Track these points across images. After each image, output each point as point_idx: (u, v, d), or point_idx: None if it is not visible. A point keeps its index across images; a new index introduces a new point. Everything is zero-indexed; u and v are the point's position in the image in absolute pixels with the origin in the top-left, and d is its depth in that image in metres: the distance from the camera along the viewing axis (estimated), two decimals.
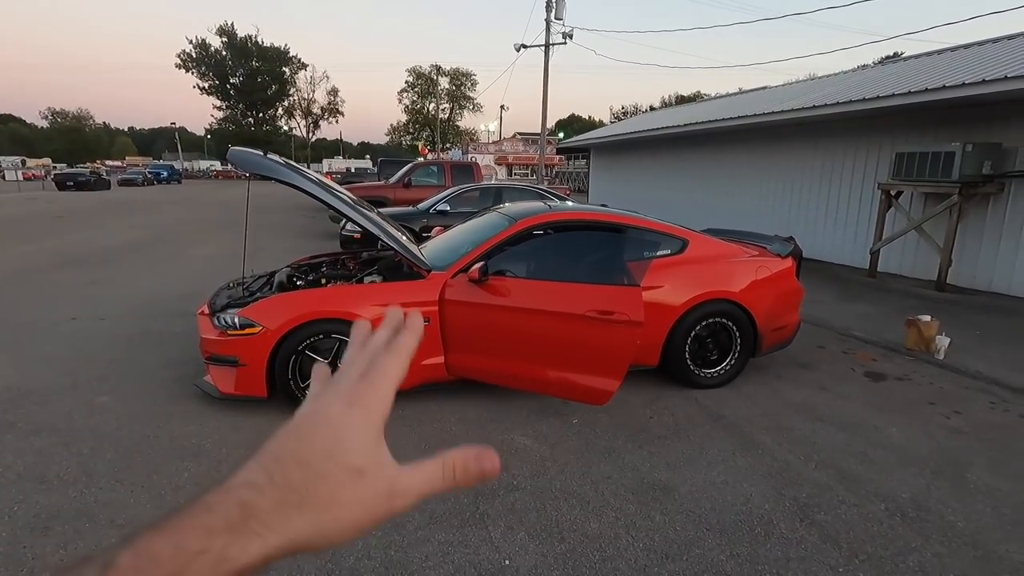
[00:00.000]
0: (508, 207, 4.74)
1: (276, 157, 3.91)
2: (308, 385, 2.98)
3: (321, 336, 3.58)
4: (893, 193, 8.56)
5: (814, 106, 9.40)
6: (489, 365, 3.67)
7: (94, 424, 3.48)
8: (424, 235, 6.84)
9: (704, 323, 4.25)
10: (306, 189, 3.60)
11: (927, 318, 5.29)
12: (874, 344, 5.58)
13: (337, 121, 72.27)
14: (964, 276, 8.01)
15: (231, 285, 4.36)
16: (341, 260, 4.95)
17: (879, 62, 14.59)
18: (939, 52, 10.55)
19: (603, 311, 3.31)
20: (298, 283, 4.21)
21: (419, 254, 3.93)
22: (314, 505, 0.34)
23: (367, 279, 4.06)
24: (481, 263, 3.63)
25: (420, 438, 3.44)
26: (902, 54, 12.66)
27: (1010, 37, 9.26)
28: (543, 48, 24.50)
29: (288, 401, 3.61)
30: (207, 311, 3.87)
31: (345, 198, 3.87)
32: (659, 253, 4.30)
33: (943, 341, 5.14)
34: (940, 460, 3.33)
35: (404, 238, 4.16)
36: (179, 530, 0.31)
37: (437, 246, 4.54)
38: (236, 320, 3.55)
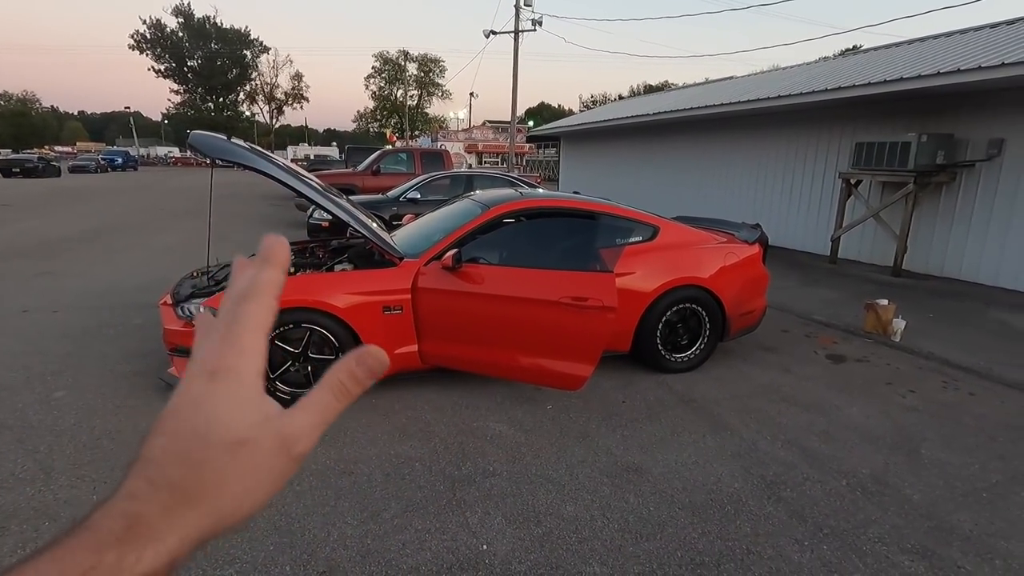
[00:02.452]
0: (480, 194, 4.71)
1: (240, 141, 3.78)
2: (278, 376, 2.91)
3: (291, 326, 3.51)
4: (853, 182, 8.84)
5: (778, 96, 9.61)
6: (463, 353, 3.66)
7: (51, 420, 3.34)
8: (395, 223, 6.75)
9: (675, 308, 4.33)
10: (273, 175, 3.49)
11: (884, 302, 5.50)
12: (835, 327, 5.78)
13: (302, 107, 70.50)
14: (918, 262, 8.35)
15: (195, 275, 4.22)
16: (310, 248, 4.84)
17: (840, 54, 14.97)
18: (897, 45, 10.89)
19: (577, 297, 3.33)
20: None
21: (391, 241, 3.88)
22: (203, 495, 0.32)
23: (337, 267, 3.98)
24: (455, 250, 3.60)
25: (394, 427, 3.41)
26: (861, 47, 13.03)
27: (963, 32, 9.62)
28: (512, 35, 24.35)
29: None
30: (170, 301, 3.74)
31: (314, 184, 3.78)
32: (631, 240, 4.35)
33: (899, 324, 5.35)
34: (897, 437, 3.49)
35: (375, 225, 4.09)
36: (60, 555, 0.29)
37: (409, 233, 4.48)
38: (201, 310, 3.43)
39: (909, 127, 8.24)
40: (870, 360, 4.87)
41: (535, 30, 24.48)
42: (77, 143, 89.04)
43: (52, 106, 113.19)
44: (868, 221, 8.76)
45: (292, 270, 4.02)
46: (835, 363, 4.79)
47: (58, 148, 77.81)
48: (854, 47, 11.75)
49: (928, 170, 7.69)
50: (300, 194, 3.56)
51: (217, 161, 3.45)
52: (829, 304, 6.64)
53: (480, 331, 3.58)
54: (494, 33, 26.15)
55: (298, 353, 3.55)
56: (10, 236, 10.20)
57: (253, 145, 3.83)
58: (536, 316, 3.43)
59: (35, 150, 55.69)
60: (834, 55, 14.78)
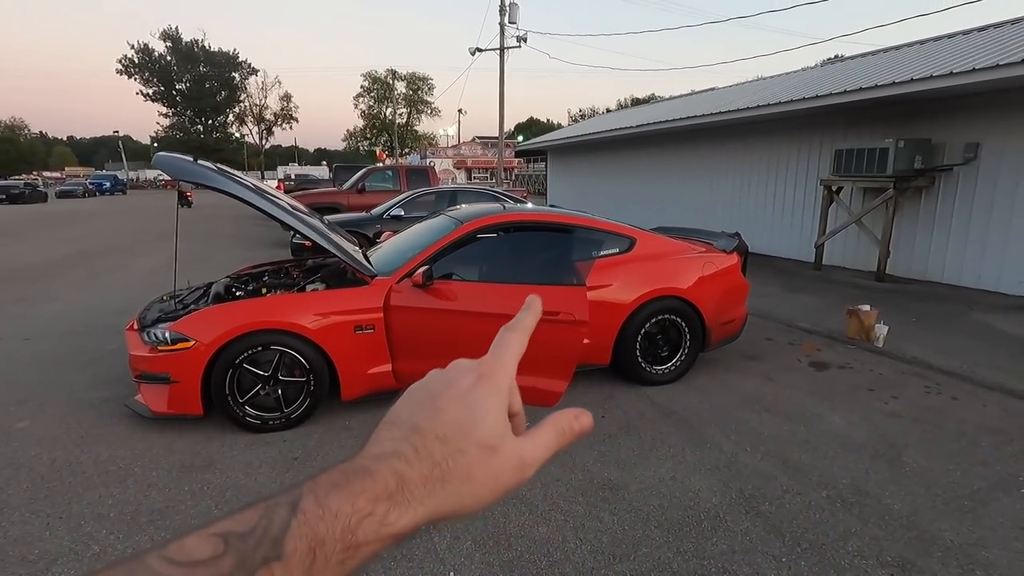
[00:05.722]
0: (456, 210, 4.68)
1: (207, 163, 3.74)
2: (247, 400, 2.82)
3: (260, 348, 3.43)
4: (834, 188, 8.89)
5: (758, 106, 9.69)
6: None
7: (11, 452, 3.23)
8: (377, 241, 6.70)
9: (653, 320, 4.28)
10: (240, 196, 3.45)
11: (866, 307, 5.49)
12: (818, 334, 5.76)
13: (291, 127, 70.58)
14: (901, 266, 8.38)
15: (164, 299, 4.14)
16: (285, 268, 4.77)
17: (821, 64, 15.17)
18: (874, 53, 11.05)
19: (548, 312, 3.26)
20: (237, 293, 4.04)
21: (363, 260, 3.83)
22: (455, 480, 0.36)
23: (309, 287, 3.92)
24: (425, 267, 3.55)
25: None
26: (842, 56, 13.20)
27: (936, 39, 9.77)
28: (498, 52, 24.59)
29: (226, 418, 3.45)
30: (136, 326, 3.66)
31: (284, 204, 3.73)
32: (607, 252, 4.31)
33: (882, 329, 5.34)
34: (879, 444, 3.44)
35: (347, 244, 4.04)
36: (352, 490, 0.33)
37: (385, 251, 4.43)
38: (167, 335, 3.36)
39: (887, 133, 8.31)
40: (853, 366, 4.83)
41: (520, 47, 24.68)
42: (66, 168, 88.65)
43: (41, 132, 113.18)
44: (851, 227, 8.79)
45: (264, 291, 3.96)
46: (818, 370, 4.75)
47: (46, 174, 77.30)
48: (836, 56, 11.90)
49: (907, 175, 7.74)
50: (267, 214, 3.51)
51: (182, 183, 3.40)
52: (813, 310, 6.63)
53: (453, 348, 3.50)
54: (480, 50, 26.37)
55: (268, 376, 3.47)
56: None
57: (220, 166, 3.79)
58: None
59: (23, 176, 55.40)
60: (817, 64, 14.97)
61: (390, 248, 4.47)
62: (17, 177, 50.23)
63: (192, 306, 3.76)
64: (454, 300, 3.52)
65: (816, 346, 5.39)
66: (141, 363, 3.44)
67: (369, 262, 4.08)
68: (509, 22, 24.16)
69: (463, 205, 5.60)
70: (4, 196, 29.53)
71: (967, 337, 5.54)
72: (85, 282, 8.28)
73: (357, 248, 4.32)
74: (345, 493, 0.33)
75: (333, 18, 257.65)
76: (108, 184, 42.94)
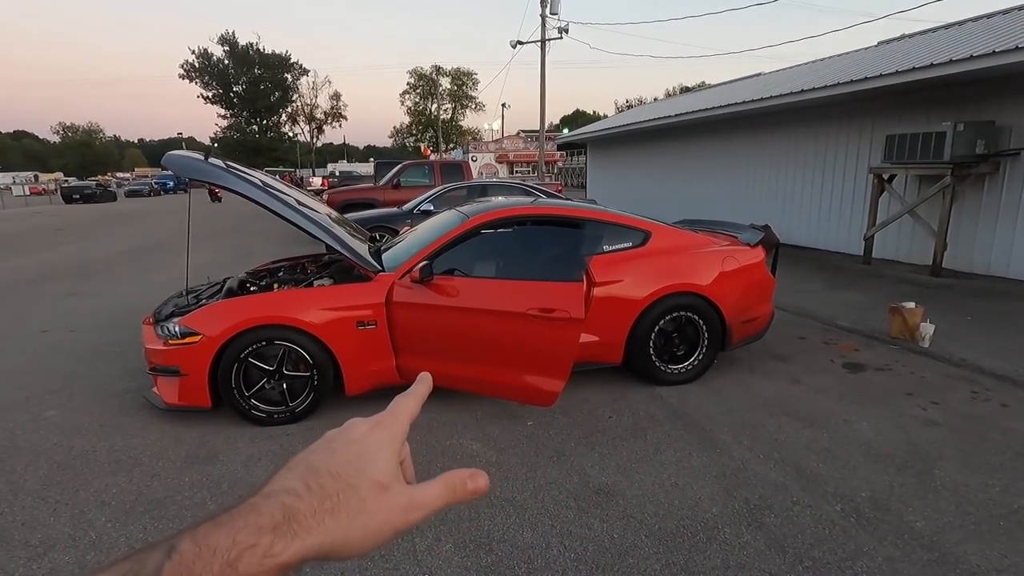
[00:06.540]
0: (468, 205, 4.62)
1: (218, 161, 3.83)
2: (253, 394, 2.86)
3: (264, 343, 3.49)
4: (886, 177, 8.31)
5: (802, 90, 9.16)
6: (439, 368, 3.54)
7: (35, 440, 3.41)
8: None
9: (669, 317, 4.10)
10: (245, 193, 3.51)
11: (911, 305, 5.08)
12: (858, 333, 5.39)
13: (341, 125, 72.48)
14: (961, 260, 7.75)
15: (182, 294, 4.28)
16: (302, 264, 4.85)
17: (877, 45, 14.19)
18: (933, 30, 10.24)
19: (544, 308, 3.17)
20: (252, 289, 4.13)
21: (366, 256, 3.83)
22: (345, 512, 0.38)
23: (317, 282, 3.96)
24: (424, 263, 3.51)
25: None
26: (908, 35, 12.19)
27: (1005, 12, 8.94)
28: (539, 44, 24.35)
29: (233, 411, 3.53)
30: (151, 320, 3.80)
31: (290, 201, 3.76)
32: (619, 246, 4.15)
33: (928, 328, 4.93)
34: (908, 455, 3.16)
35: (352, 240, 4.05)
36: (233, 526, 0.35)
37: (397, 246, 4.43)
38: (177, 329, 3.47)
39: (944, 116, 7.68)
40: (892, 368, 4.49)
41: (561, 38, 24.34)
42: (135, 169, 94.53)
43: (115, 136, 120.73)
44: (904, 218, 8.19)
45: (276, 286, 4.03)
46: (852, 372, 4.44)
47: (119, 174, 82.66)
48: (900, 38, 10.95)
49: (967, 161, 7.13)
50: (271, 211, 3.55)
51: (189, 182, 3.49)
52: (856, 308, 6.21)
53: (451, 345, 3.47)
54: (521, 43, 26.22)
55: (273, 370, 3.52)
56: (55, 259, 10.80)
57: (230, 164, 3.87)
58: (504, 329, 3.29)
59: (97, 177, 59.33)
60: (878, 44, 14.00)
61: (402, 243, 4.46)
62: (93, 179, 53.86)
63: (205, 301, 3.86)
64: (454, 296, 3.47)
65: (854, 346, 5.04)
66: (155, 356, 3.56)
67: (379, 258, 4.09)
68: (551, 13, 23.88)
69: (486, 199, 5.54)
70: (79, 196, 31.78)
71: None
72: (135, 277, 8.74)
73: (364, 244, 4.33)
74: (226, 529, 0.34)
75: (377, 18, 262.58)
76: (172, 183, 45.37)
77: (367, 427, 0.43)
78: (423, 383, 0.51)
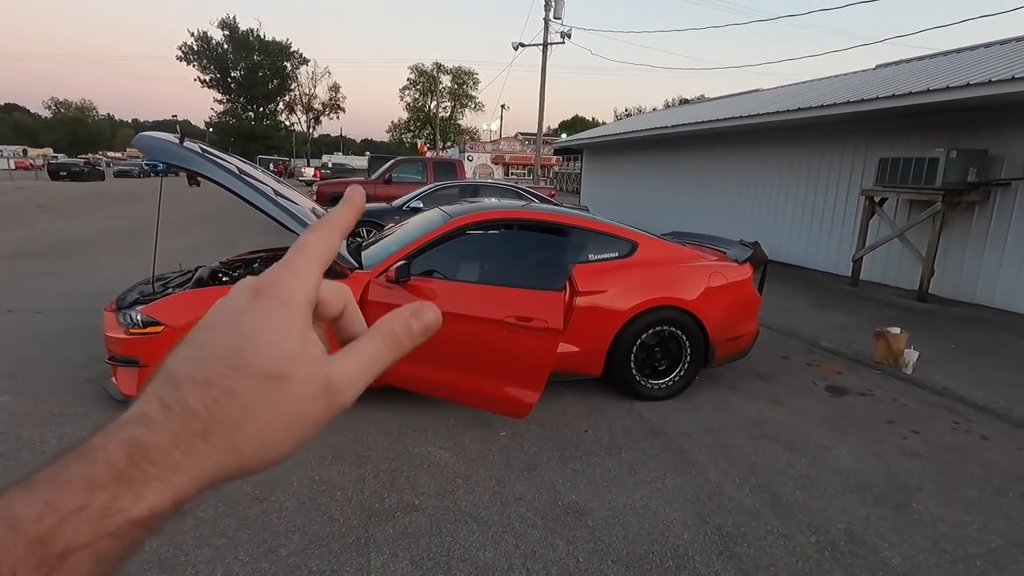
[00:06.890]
0: (452, 205, 4.50)
1: (193, 145, 3.68)
2: None
3: None
4: (877, 200, 8.30)
5: (798, 108, 9.14)
6: (412, 372, 3.43)
7: None
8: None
9: (652, 331, 4.01)
10: (219, 180, 3.38)
11: (896, 330, 5.04)
12: (842, 356, 5.33)
13: (338, 117, 71.90)
14: (947, 286, 7.75)
15: (148, 281, 4.13)
16: (279, 256, 4.70)
17: (875, 68, 14.28)
18: (931, 56, 10.29)
19: (522, 317, 3.06)
20: (223, 279, 3.98)
21: (343, 251, 3.70)
22: (222, 429, 0.28)
23: None
24: (402, 263, 3.39)
25: (328, 449, 3.19)
26: (906, 60, 12.26)
27: (1002, 42, 8.99)
28: (541, 48, 24.31)
29: None
30: (115, 307, 3.64)
31: (265, 190, 3.63)
32: (604, 256, 4.05)
33: (912, 355, 4.88)
34: (887, 486, 3.09)
35: None
36: (50, 486, 0.26)
37: (378, 243, 4.31)
38: (139, 317, 3.32)
39: (939, 142, 7.68)
40: (874, 394, 4.43)
41: (563, 43, 24.32)
42: (127, 149, 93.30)
43: (108, 114, 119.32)
44: (894, 241, 8.18)
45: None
46: (834, 396, 4.37)
47: (111, 153, 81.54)
48: (897, 62, 10.98)
49: (958, 188, 7.13)
50: (245, 200, 3.41)
51: (160, 167, 3.34)
52: (841, 329, 6.16)
53: (425, 349, 3.34)
54: (523, 46, 26.18)
55: None
56: (32, 236, 10.52)
57: (205, 148, 3.73)
58: (480, 336, 3.17)
59: (88, 155, 58.50)
60: (875, 67, 14.09)
61: (383, 241, 4.34)
62: (82, 156, 53.06)
63: (172, 290, 3.71)
64: (430, 299, 3.34)
65: (837, 369, 4.98)
66: (114, 345, 3.41)
67: (358, 255, 3.96)
68: (554, 17, 23.86)
69: (476, 199, 5.42)
70: (65, 173, 31.21)
71: (1010, 369, 5.01)
72: (112, 260, 8.51)
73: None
74: (36, 494, 0.25)
75: (381, 12, 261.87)
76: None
77: (247, 296, 0.30)
78: (348, 203, 0.36)
